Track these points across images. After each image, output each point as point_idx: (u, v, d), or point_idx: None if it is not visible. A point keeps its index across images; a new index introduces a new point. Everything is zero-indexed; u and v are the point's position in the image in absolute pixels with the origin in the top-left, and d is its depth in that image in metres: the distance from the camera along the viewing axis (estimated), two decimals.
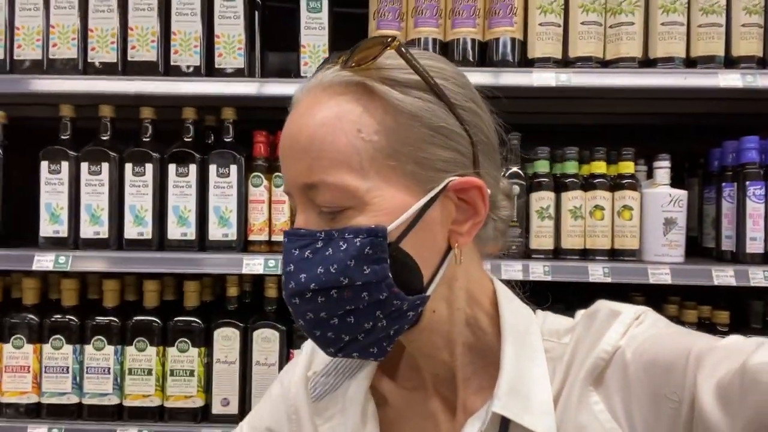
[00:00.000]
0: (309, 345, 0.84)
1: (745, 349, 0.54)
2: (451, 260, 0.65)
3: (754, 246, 1.56)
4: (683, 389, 0.56)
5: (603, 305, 0.69)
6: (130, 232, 1.61)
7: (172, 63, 1.62)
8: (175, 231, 1.61)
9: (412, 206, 0.62)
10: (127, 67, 1.62)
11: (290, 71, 1.64)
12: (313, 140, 0.62)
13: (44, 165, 1.62)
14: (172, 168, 1.62)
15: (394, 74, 0.63)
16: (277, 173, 1.62)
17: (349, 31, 1.55)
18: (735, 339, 0.59)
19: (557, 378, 0.68)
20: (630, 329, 0.64)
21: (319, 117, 0.62)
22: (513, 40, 1.58)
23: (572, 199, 1.61)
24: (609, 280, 1.51)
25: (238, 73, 1.62)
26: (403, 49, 0.62)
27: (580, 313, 0.71)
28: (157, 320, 1.59)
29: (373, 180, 0.61)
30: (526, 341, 0.69)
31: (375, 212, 0.61)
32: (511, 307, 0.71)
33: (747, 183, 1.57)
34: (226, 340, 1.59)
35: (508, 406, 0.65)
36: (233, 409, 1.59)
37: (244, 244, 1.62)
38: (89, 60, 1.62)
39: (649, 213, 1.61)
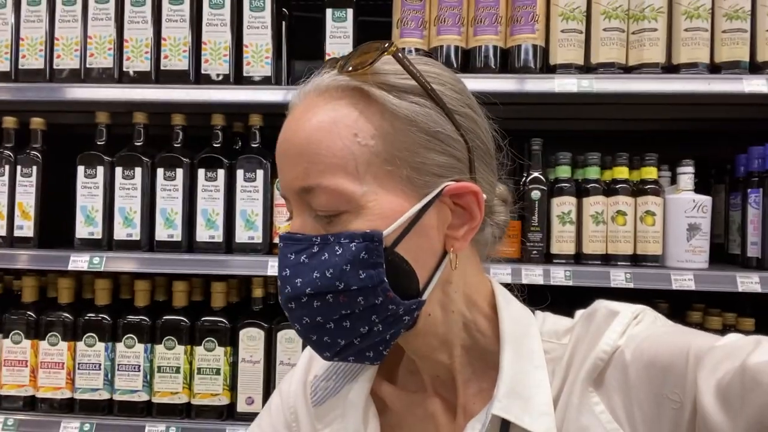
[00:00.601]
0: (308, 352, 0.84)
1: (744, 348, 0.54)
2: (447, 264, 0.65)
3: None
4: (684, 389, 0.56)
5: (601, 305, 0.68)
6: (161, 234, 1.66)
7: (202, 72, 1.67)
8: (203, 234, 1.66)
9: (408, 211, 0.61)
10: (160, 76, 1.68)
11: None
12: (310, 144, 0.62)
13: (80, 169, 1.68)
14: (201, 173, 1.67)
15: (391, 79, 0.63)
16: None
17: (373, 40, 1.57)
18: (733, 338, 0.58)
19: (557, 379, 0.67)
20: (629, 329, 0.64)
21: (315, 121, 0.62)
22: (535, 47, 1.59)
23: (594, 204, 1.61)
24: (631, 285, 1.50)
25: (265, 81, 1.66)
26: (399, 54, 0.62)
27: (579, 313, 0.71)
28: (185, 320, 1.64)
29: (369, 184, 0.61)
30: (525, 343, 0.69)
31: (371, 216, 0.60)
32: (510, 309, 0.71)
33: None
34: (251, 339, 1.63)
35: (508, 408, 0.65)
36: (257, 407, 1.62)
37: (269, 247, 1.66)
38: (124, 69, 1.69)
39: (672, 219, 1.60)
